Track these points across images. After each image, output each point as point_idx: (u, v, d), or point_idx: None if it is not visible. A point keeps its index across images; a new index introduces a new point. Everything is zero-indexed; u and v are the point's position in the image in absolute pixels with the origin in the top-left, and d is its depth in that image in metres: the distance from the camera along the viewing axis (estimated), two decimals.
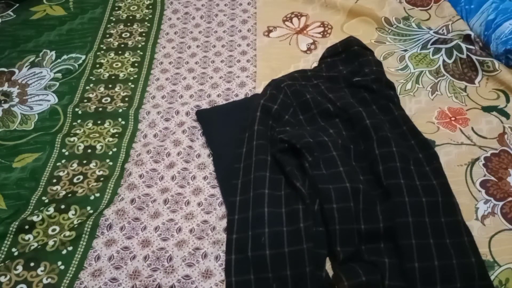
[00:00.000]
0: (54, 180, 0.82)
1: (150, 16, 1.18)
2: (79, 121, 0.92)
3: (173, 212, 0.76)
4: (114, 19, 1.17)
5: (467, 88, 0.92)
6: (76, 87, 1.00)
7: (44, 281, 0.68)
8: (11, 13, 1.20)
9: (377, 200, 0.72)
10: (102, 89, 0.99)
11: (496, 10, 0.98)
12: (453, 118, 0.86)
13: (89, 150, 0.87)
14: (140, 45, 1.09)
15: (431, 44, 1.01)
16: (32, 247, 0.72)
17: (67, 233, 0.73)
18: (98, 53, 1.07)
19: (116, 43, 1.10)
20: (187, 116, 0.91)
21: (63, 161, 0.85)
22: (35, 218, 0.75)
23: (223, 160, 0.82)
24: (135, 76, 1.02)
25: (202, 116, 0.90)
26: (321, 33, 1.09)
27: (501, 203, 0.73)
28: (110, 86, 0.99)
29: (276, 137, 0.80)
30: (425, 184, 0.73)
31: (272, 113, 0.84)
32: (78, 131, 0.90)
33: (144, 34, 1.12)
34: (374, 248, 0.68)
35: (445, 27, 1.04)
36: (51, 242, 0.72)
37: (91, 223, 0.74)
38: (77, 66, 1.04)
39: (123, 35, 1.12)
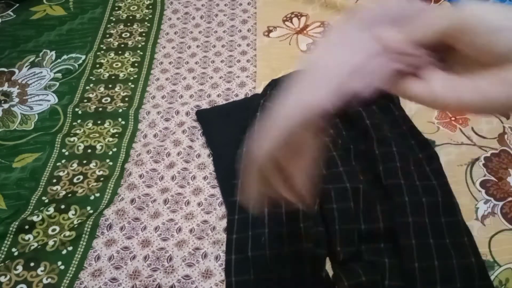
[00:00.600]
0: (54, 180, 0.82)
1: (150, 16, 1.17)
2: (79, 121, 0.92)
3: (173, 212, 0.76)
4: (114, 19, 1.17)
5: None
6: (76, 87, 1.00)
7: (44, 281, 0.68)
8: (11, 13, 1.19)
9: (377, 200, 0.72)
10: (102, 89, 0.99)
11: None
12: (453, 118, 0.86)
13: (89, 150, 0.87)
14: (140, 45, 1.09)
15: None
16: (32, 247, 0.72)
17: (67, 233, 0.73)
18: (98, 53, 1.07)
19: (116, 43, 1.10)
20: (187, 116, 0.91)
21: (63, 161, 0.85)
22: (35, 218, 0.75)
23: (223, 160, 0.81)
24: (135, 76, 1.02)
25: (202, 116, 0.90)
26: (321, 33, 1.09)
27: (501, 203, 0.73)
28: (110, 86, 0.99)
29: None
30: (425, 184, 0.73)
31: None
32: (78, 131, 0.90)
33: (144, 34, 1.12)
34: (374, 248, 0.68)
35: None
36: (51, 242, 0.72)
37: (91, 223, 0.74)
38: (77, 66, 1.04)
39: (123, 35, 1.12)
